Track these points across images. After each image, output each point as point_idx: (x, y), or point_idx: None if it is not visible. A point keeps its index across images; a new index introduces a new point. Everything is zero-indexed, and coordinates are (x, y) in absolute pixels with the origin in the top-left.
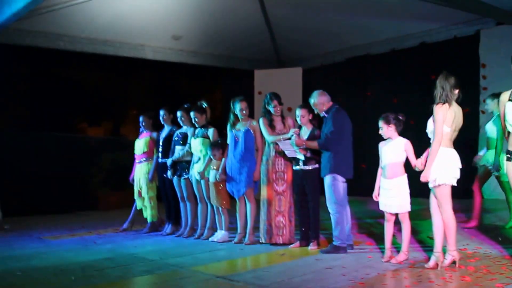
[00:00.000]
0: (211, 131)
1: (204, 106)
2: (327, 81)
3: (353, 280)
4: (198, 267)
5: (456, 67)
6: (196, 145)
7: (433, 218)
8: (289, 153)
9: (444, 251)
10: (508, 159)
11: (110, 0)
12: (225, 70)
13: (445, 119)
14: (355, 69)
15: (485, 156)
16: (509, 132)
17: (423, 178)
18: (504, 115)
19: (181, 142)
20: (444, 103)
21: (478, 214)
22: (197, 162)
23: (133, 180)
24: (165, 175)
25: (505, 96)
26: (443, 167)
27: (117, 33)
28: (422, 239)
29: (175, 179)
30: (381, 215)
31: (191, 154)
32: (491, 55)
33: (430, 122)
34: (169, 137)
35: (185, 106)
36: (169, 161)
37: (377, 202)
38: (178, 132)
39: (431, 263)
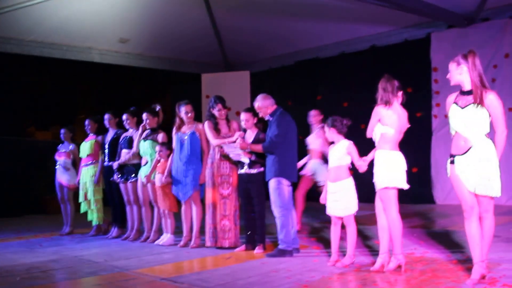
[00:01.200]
0: (160, 135)
1: (157, 110)
2: (276, 84)
3: (298, 283)
4: (143, 270)
5: (408, 70)
6: (146, 147)
7: (378, 221)
8: (233, 157)
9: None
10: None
11: (57, 3)
12: (172, 73)
13: (382, 120)
14: (304, 73)
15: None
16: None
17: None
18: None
19: (127, 145)
20: (384, 104)
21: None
22: (145, 165)
23: (79, 183)
24: (112, 179)
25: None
26: (388, 170)
27: (64, 36)
28: (370, 244)
29: (121, 182)
30: (330, 220)
31: (138, 157)
32: (443, 58)
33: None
34: (114, 140)
35: (131, 109)
36: (115, 165)
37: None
38: (124, 135)
39: (377, 265)
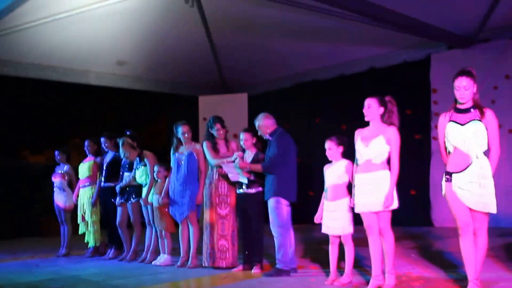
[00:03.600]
0: (148, 158)
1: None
2: (274, 107)
3: None
4: None
5: (407, 92)
6: (140, 176)
7: (373, 242)
8: (232, 177)
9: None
10: (448, 180)
11: (54, 26)
12: (170, 96)
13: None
14: (303, 95)
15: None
16: (449, 152)
17: (388, 206)
18: (444, 136)
19: (127, 168)
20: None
21: None
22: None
23: (76, 204)
24: (113, 200)
25: (444, 118)
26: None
27: (61, 59)
28: (369, 263)
29: (121, 204)
30: (328, 241)
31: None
32: (442, 80)
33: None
34: (113, 162)
35: (127, 133)
36: (117, 188)
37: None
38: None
39: (371, 286)
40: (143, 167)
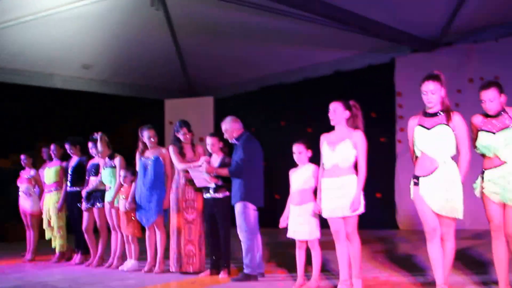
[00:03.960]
0: (117, 160)
1: (94, 137)
2: (239, 110)
3: None
4: None
5: (372, 95)
6: (106, 175)
7: (341, 248)
8: (198, 182)
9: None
10: (415, 184)
11: (19, 28)
12: (136, 99)
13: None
14: (268, 98)
15: None
16: (417, 157)
17: (355, 210)
18: (413, 140)
19: (93, 172)
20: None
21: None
22: (108, 191)
23: (42, 209)
24: (79, 204)
25: (413, 121)
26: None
27: (26, 62)
28: (336, 267)
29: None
30: (295, 245)
31: (104, 184)
32: (406, 83)
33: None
34: (78, 167)
35: (93, 137)
36: (83, 192)
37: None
38: (92, 162)
39: None
40: (111, 168)
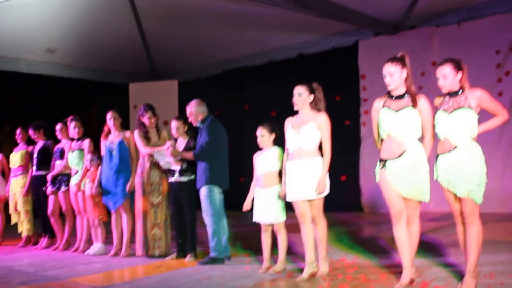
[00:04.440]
0: (86, 142)
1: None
2: (203, 93)
3: None
4: (75, 278)
5: (336, 78)
6: (73, 158)
7: (306, 230)
8: (163, 165)
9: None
10: (381, 167)
11: None
12: (100, 84)
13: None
14: (232, 82)
15: None
16: (382, 140)
17: (321, 192)
18: (378, 122)
19: (59, 156)
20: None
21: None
22: (75, 174)
23: (8, 193)
24: (44, 188)
25: (378, 103)
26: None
27: None
28: (301, 250)
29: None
30: (260, 227)
31: (69, 168)
32: (370, 66)
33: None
34: (43, 151)
35: (64, 120)
36: (49, 176)
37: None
38: (57, 146)
39: (305, 275)
40: (79, 151)
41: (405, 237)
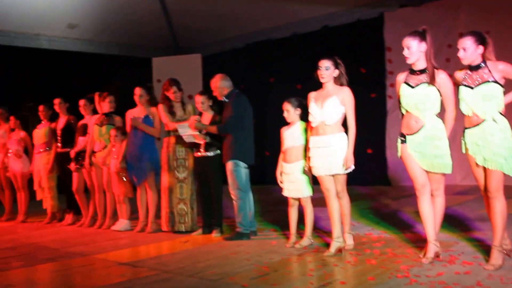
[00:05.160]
0: (117, 119)
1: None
2: (228, 67)
3: (258, 265)
4: (101, 255)
5: (361, 51)
6: (102, 132)
7: (333, 205)
8: (187, 138)
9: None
10: (402, 141)
11: None
12: (123, 58)
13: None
14: (256, 55)
15: None
16: (403, 114)
17: (348, 167)
18: (399, 97)
19: (83, 133)
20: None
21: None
22: (101, 150)
23: (32, 170)
24: (68, 166)
25: (400, 77)
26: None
27: (11, 23)
28: (327, 225)
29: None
30: (286, 202)
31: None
32: (396, 38)
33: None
34: (67, 127)
35: (88, 96)
36: (72, 152)
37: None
38: (81, 123)
39: (332, 249)
40: (107, 125)
41: (429, 210)
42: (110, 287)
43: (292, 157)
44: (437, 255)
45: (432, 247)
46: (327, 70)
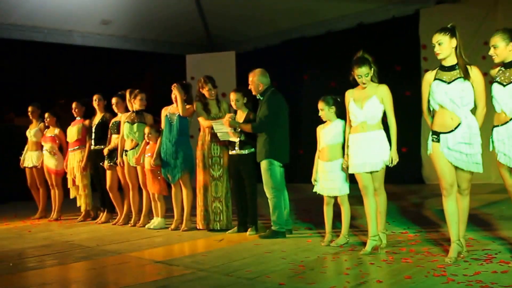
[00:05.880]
0: (148, 117)
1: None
2: (261, 65)
3: (293, 263)
4: (136, 253)
5: (396, 48)
6: (134, 130)
7: (370, 203)
8: (221, 136)
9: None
10: (434, 140)
11: None
12: (156, 55)
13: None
14: (290, 52)
15: None
16: (433, 111)
17: (395, 163)
18: (428, 94)
19: (116, 131)
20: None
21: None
22: (133, 148)
23: (66, 167)
24: (101, 163)
25: (430, 75)
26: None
27: (45, 19)
28: (363, 223)
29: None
30: (321, 200)
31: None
32: (431, 35)
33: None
34: (101, 124)
35: (119, 93)
36: (105, 150)
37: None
38: (113, 120)
39: (368, 248)
40: (138, 123)
41: (455, 210)
42: (145, 285)
43: (330, 155)
44: (460, 255)
45: (456, 247)
46: (366, 77)
